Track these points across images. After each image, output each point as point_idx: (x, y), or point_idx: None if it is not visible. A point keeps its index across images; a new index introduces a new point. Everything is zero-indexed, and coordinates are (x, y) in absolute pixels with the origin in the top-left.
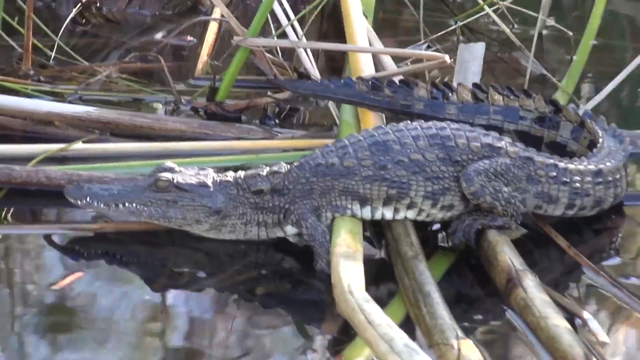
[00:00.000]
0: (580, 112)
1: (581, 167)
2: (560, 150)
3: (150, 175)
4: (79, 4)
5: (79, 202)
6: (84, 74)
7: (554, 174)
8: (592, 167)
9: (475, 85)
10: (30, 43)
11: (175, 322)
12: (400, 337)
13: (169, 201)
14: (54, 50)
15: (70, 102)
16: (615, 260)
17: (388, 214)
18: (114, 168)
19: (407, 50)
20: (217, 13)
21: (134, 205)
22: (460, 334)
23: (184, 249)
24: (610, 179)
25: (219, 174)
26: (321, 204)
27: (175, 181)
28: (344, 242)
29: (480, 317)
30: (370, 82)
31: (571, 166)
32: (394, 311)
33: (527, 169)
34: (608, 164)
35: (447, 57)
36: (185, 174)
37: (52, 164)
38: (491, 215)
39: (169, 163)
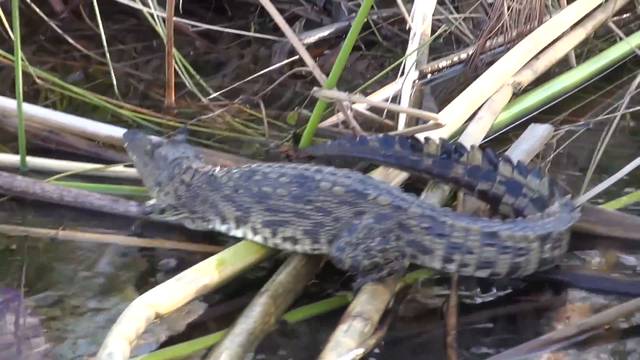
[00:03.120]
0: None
1: (473, 225)
2: None
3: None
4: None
5: (125, 144)
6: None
7: (427, 225)
8: (487, 229)
9: (487, 151)
10: (173, 80)
11: None
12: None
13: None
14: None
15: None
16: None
17: (239, 233)
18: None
19: (408, 109)
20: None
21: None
22: None
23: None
24: (508, 244)
25: (201, 165)
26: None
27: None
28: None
29: None
30: (381, 138)
31: (458, 223)
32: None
33: (398, 218)
34: (518, 231)
35: (441, 119)
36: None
37: (92, 182)
38: (377, 269)
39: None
